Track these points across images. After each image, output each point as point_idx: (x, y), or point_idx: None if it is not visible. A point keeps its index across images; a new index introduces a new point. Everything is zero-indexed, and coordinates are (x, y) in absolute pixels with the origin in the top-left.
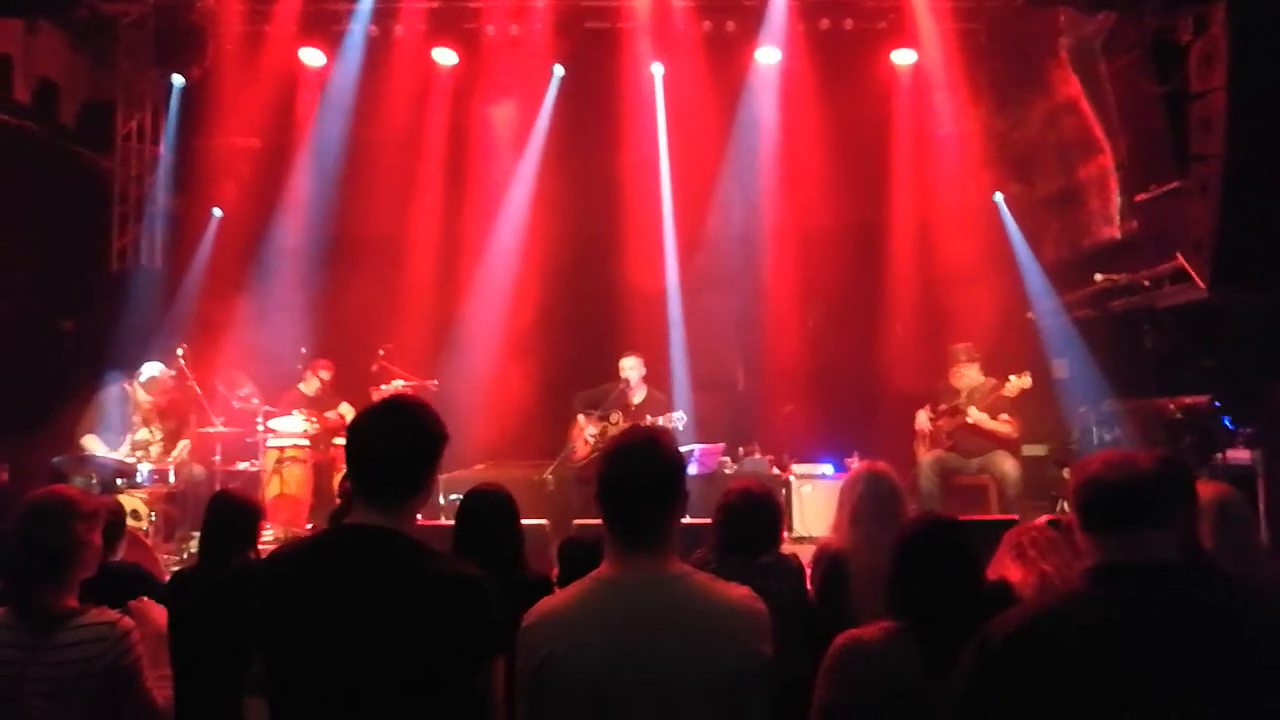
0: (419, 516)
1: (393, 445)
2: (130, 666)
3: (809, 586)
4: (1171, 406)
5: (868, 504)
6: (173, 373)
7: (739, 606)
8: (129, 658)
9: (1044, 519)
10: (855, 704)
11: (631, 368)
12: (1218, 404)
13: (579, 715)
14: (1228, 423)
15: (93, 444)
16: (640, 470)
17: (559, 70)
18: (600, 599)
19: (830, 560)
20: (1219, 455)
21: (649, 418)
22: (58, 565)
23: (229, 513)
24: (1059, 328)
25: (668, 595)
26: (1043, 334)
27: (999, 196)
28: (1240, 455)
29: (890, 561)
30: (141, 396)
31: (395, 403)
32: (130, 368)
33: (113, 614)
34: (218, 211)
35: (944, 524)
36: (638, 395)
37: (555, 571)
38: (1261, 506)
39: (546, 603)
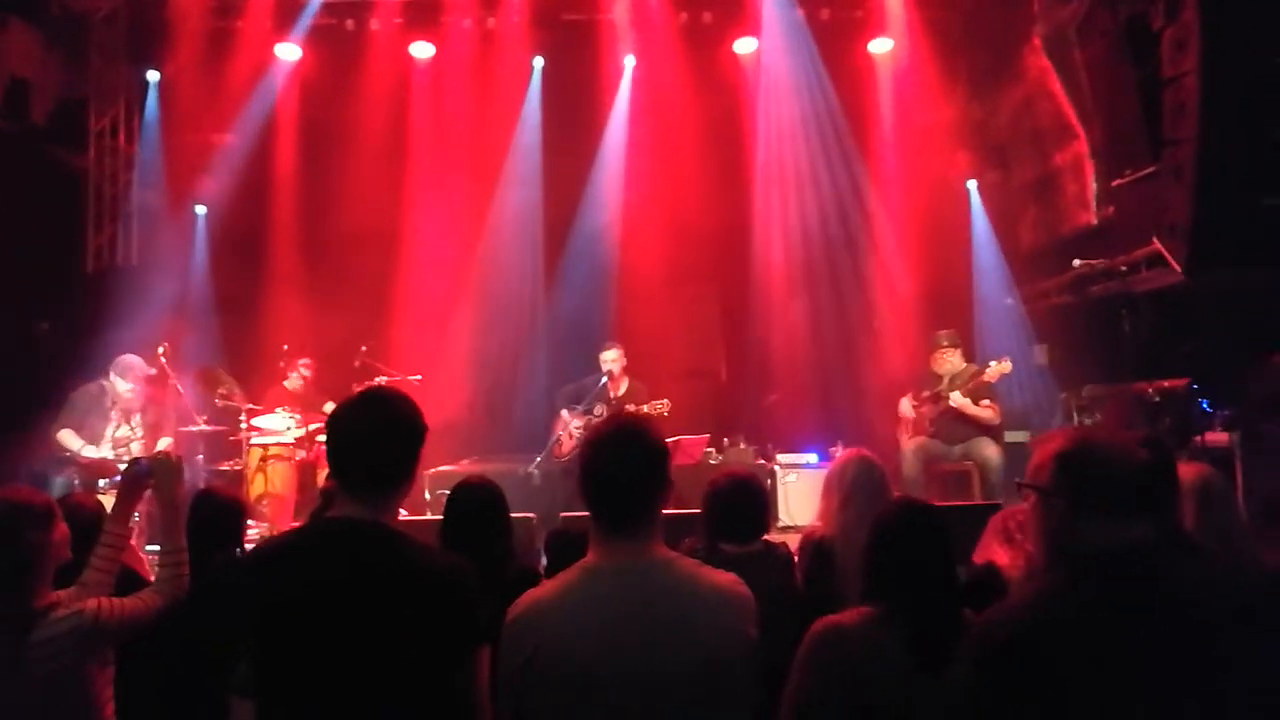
0: (404, 512)
1: (373, 437)
2: (111, 633)
3: (797, 575)
4: (1150, 390)
5: (857, 490)
6: (151, 370)
7: (724, 592)
8: (105, 633)
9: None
10: (834, 689)
11: (613, 360)
12: (1195, 387)
13: (568, 704)
14: (1205, 405)
15: (69, 439)
16: (624, 457)
17: (539, 63)
18: (586, 588)
19: (817, 548)
20: (1197, 438)
21: (633, 407)
22: (17, 574)
23: (212, 511)
24: (1038, 313)
25: (653, 581)
26: (1023, 319)
27: (972, 184)
28: (1218, 438)
29: (866, 546)
30: (121, 386)
31: (374, 394)
32: (106, 367)
33: (81, 604)
34: (201, 209)
35: (916, 508)
36: (621, 387)
37: (543, 564)
38: (1239, 488)
39: (532, 594)
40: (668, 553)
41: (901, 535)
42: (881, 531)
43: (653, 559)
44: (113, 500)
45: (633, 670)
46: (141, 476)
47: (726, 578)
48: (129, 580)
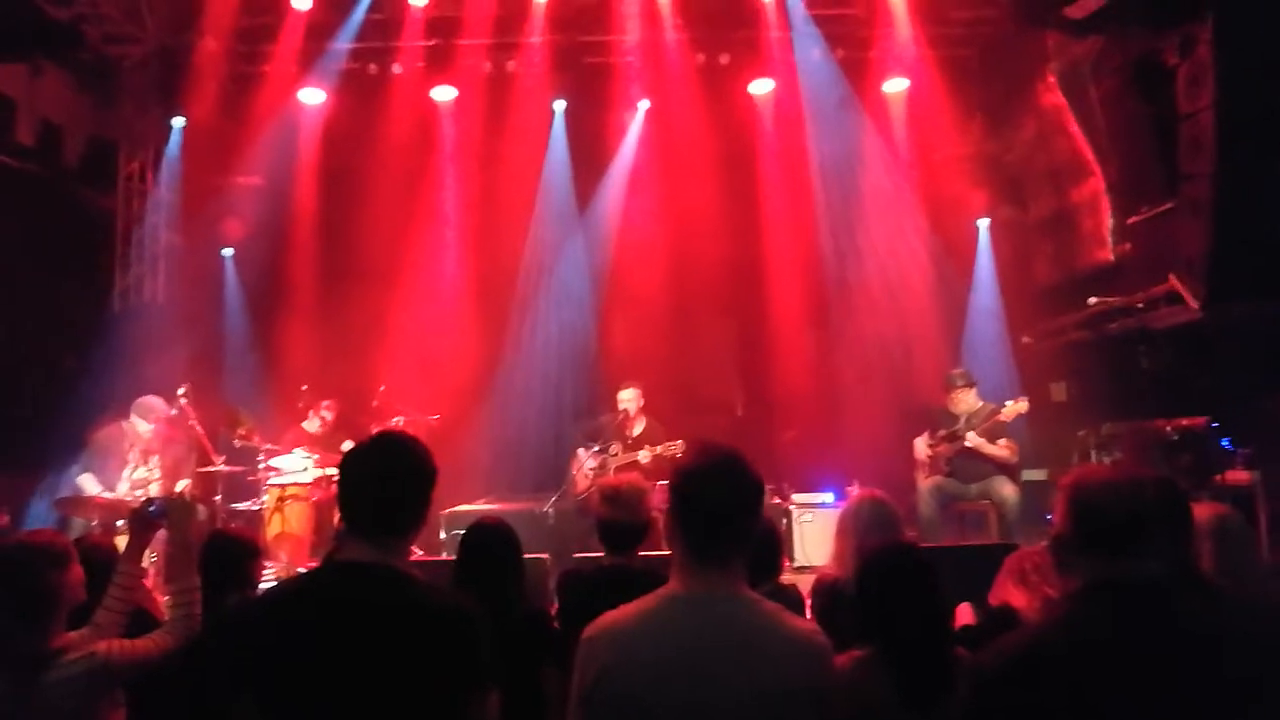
0: (419, 552)
1: (382, 482)
2: (121, 674)
3: (809, 616)
4: (1168, 428)
5: (871, 533)
6: (172, 411)
7: (800, 636)
8: (115, 674)
9: (1043, 543)
10: None
11: (630, 399)
12: (1215, 425)
13: None
14: (1226, 444)
15: (88, 483)
16: (726, 490)
17: (561, 105)
18: (662, 614)
19: (830, 590)
20: (1218, 476)
21: (648, 448)
22: (34, 615)
23: (225, 552)
24: (1055, 350)
25: (730, 615)
26: (1039, 358)
27: (983, 222)
28: (1239, 476)
29: (854, 590)
30: (141, 427)
31: (385, 439)
32: (126, 409)
33: (93, 645)
34: (228, 251)
35: (900, 549)
36: (637, 427)
37: (555, 605)
38: (1262, 527)
39: (609, 616)
40: (750, 591)
41: (885, 577)
42: (867, 574)
43: (735, 594)
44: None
45: (696, 703)
46: (154, 517)
47: (807, 625)
48: (142, 620)
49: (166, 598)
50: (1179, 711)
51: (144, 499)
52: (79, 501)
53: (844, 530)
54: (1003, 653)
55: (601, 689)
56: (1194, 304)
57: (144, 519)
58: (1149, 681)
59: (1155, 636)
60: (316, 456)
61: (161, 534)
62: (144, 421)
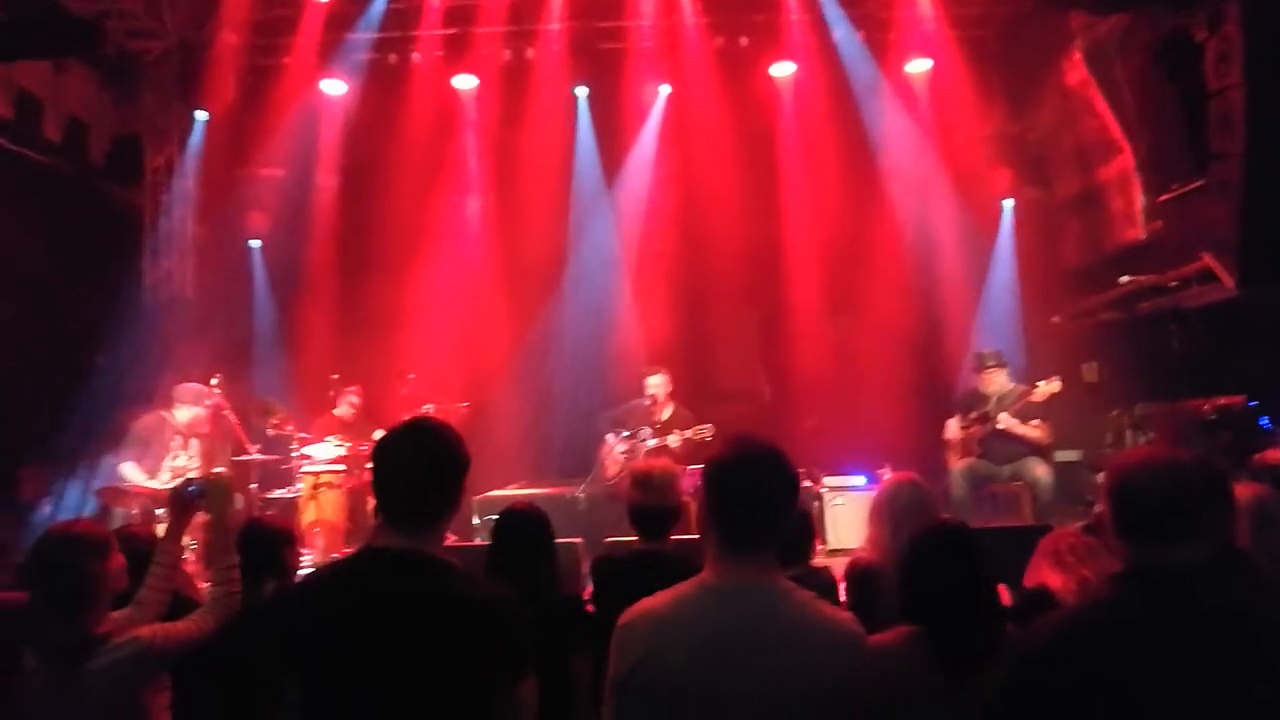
0: (453, 537)
1: (415, 468)
2: (165, 657)
3: (842, 599)
4: (1206, 407)
5: (907, 516)
6: (210, 398)
7: (833, 626)
8: (159, 659)
9: (1079, 524)
10: (873, 708)
11: (658, 385)
12: (1253, 403)
13: (662, 717)
14: (1264, 423)
15: (132, 473)
16: (761, 482)
17: (583, 91)
18: (697, 603)
19: (863, 574)
20: (1257, 456)
21: (678, 432)
22: (75, 603)
23: (260, 540)
24: (1086, 330)
25: (766, 605)
26: (1070, 338)
27: (1008, 203)
28: (1277, 456)
29: (900, 568)
30: (183, 415)
31: (416, 426)
32: (165, 398)
33: (136, 631)
34: (255, 243)
35: (948, 529)
36: (665, 412)
37: (589, 590)
38: None
39: (646, 603)
40: (785, 581)
41: (933, 557)
42: (914, 554)
43: (770, 584)
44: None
45: (731, 692)
46: (193, 497)
47: (843, 615)
48: (182, 605)
49: (206, 584)
50: (1217, 697)
51: (182, 480)
52: (120, 490)
53: (878, 514)
54: (1041, 634)
55: (637, 676)
56: (1229, 283)
57: (183, 499)
58: (1186, 667)
59: (1194, 622)
60: (349, 444)
61: (201, 519)
62: (185, 409)
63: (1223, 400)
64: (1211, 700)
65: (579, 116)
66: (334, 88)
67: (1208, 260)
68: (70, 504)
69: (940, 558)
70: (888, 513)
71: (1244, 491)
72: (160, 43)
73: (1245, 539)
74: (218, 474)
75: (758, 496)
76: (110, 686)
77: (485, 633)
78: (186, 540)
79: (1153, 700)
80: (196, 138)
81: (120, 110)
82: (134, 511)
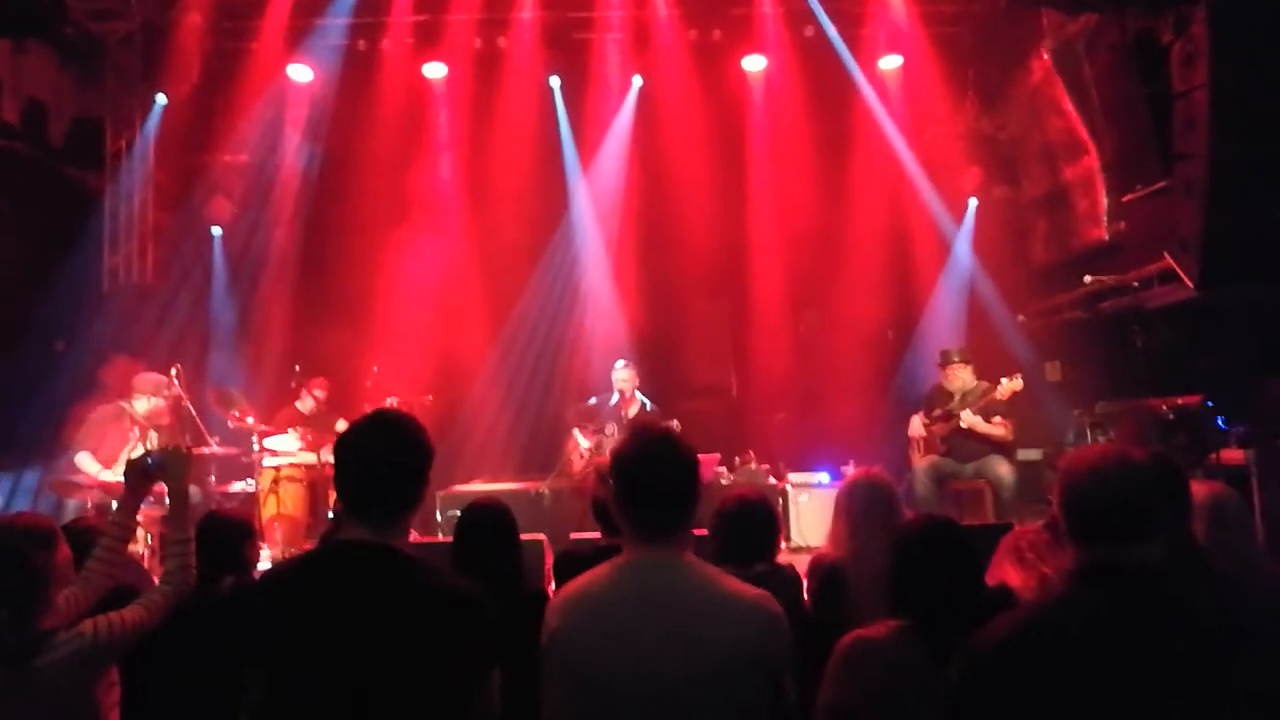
0: (416, 533)
1: (379, 460)
2: (113, 649)
3: (805, 597)
4: (1164, 407)
5: (867, 513)
6: (169, 389)
7: (749, 601)
8: (105, 652)
9: (1040, 522)
10: (864, 703)
11: (625, 380)
12: (1210, 404)
13: (573, 692)
14: (1220, 423)
15: (87, 463)
16: (661, 468)
17: (556, 81)
18: (604, 579)
19: (827, 571)
20: (1213, 455)
21: None
22: (20, 598)
23: (220, 534)
24: (1050, 328)
25: (667, 578)
26: (1034, 337)
27: (972, 202)
28: (1234, 455)
29: (890, 562)
30: (140, 406)
31: (381, 417)
32: (123, 387)
33: (78, 627)
34: (217, 230)
35: (941, 523)
36: (632, 407)
37: (552, 586)
38: (1257, 506)
39: (571, 583)
40: (691, 557)
41: (925, 551)
42: (905, 548)
43: (680, 561)
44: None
45: (641, 667)
46: (151, 470)
47: (755, 591)
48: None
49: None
50: (1171, 695)
51: (143, 453)
52: (75, 483)
53: (840, 512)
54: (994, 634)
55: (551, 651)
56: (1190, 284)
57: (142, 470)
58: (1140, 666)
59: (1148, 621)
60: (311, 437)
61: (159, 514)
62: (144, 399)
63: (1180, 400)
64: (1166, 698)
65: (555, 107)
66: (301, 74)
67: (1169, 260)
68: (23, 495)
69: (932, 551)
70: (847, 511)
71: (1201, 490)
72: (124, 24)
73: (1204, 538)
74: (176, 446)
75: (660, 480)
76: (59, 683)
77: (451, 625)
78: (141, 534)
79: (1106, 699)
80: (159, 122)
81: (81, 92)
82: (88, 504)
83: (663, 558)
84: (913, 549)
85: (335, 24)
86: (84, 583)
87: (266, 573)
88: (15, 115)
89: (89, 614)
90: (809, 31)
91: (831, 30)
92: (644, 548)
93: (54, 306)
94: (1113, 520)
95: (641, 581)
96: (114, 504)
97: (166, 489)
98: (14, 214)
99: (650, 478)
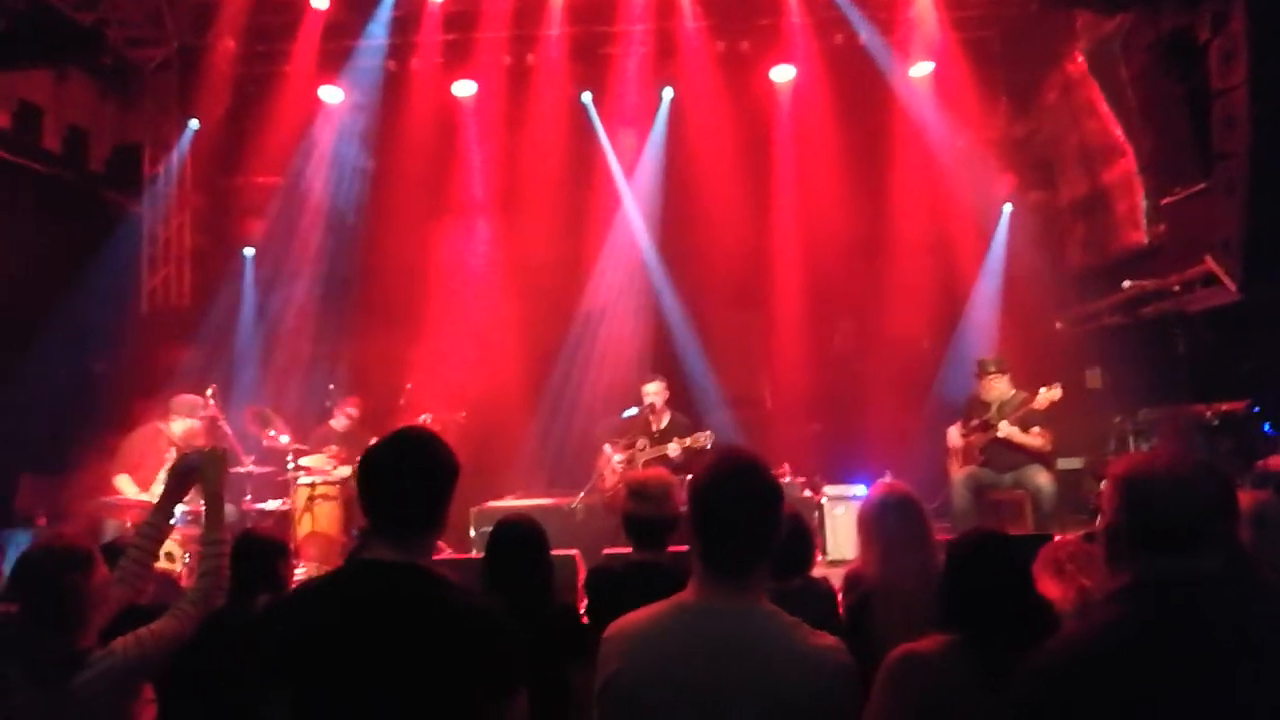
0: (448, 549)
1: (402, 479)
2: (146, 664)
3: (840, 610)
4: (1208, 413)
5: (896, 538)
6: (205, 409)
7: (822, 655)
8: (137, 668)
9: (1080, 534)
10: (913, 716)
11: (655, 393)
12: (1256, 408)
13: None
14: (1267, 428)
15: (125, 485)
16: (738, 498)
17: (588, 97)
18: (673, 623)
19: (861, 588)
20: (1259, 462)
21: (676, 441)
22: (58, 618)
23: (254, 552)
24: (1090, 335)
25: (744, 629)
26: (1073, 343)
27: (1007, 207)
28: None
29: (942, 575)
30: (176, 427)
31: (405, 436)
32: (162, 408)
33: (109, 646)
34: (249, 251)
35: (993, 537)
36: (663, 420)
37: (584, 602)
38: None
39: (626, 618)
40: (768, 605)
41: (977, 565)
42: (955, 561)
43: (749, 608)
44: (170, 540)
45: (696, 713)
46: (189, 470)
47: (829, 641)
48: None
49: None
50: (1235, 708)
51: (181, 455)
52: (115, 504)
53: (869, 536)
54: (1061, 651)
55: (610, 692)
56: (1232, 286)
57: (181, 471)
58: (1206, 679)
59: (1212, 636)
60: (340, 454)
61: (197, 533)
62: (180, 420)
63: (1225, 406)
64: (1231, 712)
65: (587, 122)
66: (332, 95)
67: (1209, 263)
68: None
69: (984, 565)
70: (876, 536)
71: (1245, 498)
72: (160, 50)
73: (1247, 548)
74: (213, 448)
75: (734, 513)
76: (94, 702)
77: (476, 645)
78: (179, 553)
79: (1174, 714)
80: (195, 145)
81: (120, 118)
82: (127, 525)
83: (739, 606)
84: (964, 563)
85: (366, 46)
86: (120, 580)
87: (291, 592)
88: (57, 143)
89: (104, 632)
90: (838, 40)
91: (865, 36)
92: (716, 587)
93: (96, 328)
94: (1178, 531)
95: (716, 632)
96: None
97: (203, 492)
98: (58, 238)
99: (728, 512)
